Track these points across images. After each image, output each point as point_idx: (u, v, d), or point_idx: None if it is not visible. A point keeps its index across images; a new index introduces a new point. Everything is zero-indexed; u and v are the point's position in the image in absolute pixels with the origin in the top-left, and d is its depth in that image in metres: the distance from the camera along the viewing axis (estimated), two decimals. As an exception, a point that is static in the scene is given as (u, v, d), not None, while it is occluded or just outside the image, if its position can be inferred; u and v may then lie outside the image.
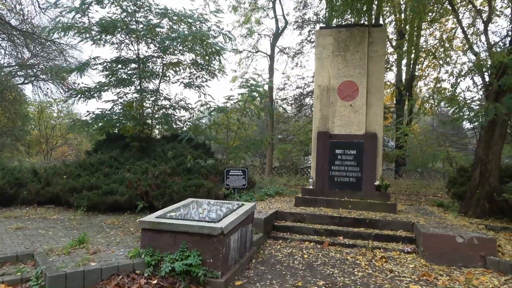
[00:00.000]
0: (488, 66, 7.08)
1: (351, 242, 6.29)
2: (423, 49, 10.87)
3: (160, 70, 12.25)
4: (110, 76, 11.76)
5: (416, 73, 19.51)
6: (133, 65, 11.90)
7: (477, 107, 7.41)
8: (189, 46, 11.57)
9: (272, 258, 5.52)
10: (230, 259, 4.70)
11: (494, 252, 5.27)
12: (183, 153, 9.67)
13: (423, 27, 13.00)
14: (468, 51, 8.31)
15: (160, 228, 4.56)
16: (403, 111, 19.89)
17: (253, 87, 11.17)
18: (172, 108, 12.02)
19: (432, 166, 18.24)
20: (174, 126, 12.11)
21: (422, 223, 6.44)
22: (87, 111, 11.66)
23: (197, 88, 11.76)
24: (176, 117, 12.39)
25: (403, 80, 18.27)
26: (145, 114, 11.53)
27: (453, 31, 10.89)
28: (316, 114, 8.54)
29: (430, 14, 10.92)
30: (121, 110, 11.12)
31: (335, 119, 8.26)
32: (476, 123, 6.43)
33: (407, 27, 10.36)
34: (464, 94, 9.41)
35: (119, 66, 11.81)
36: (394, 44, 15.86)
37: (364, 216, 7.06)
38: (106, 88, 11.67)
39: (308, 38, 20.71)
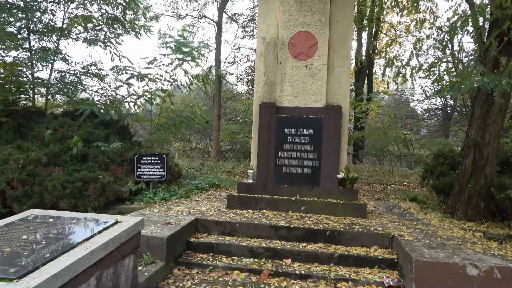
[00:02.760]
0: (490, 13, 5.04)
1: (304, 269, 4.09)
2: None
3: (61, 24, 9.19)
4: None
5: (377, 50, 17.79)
6: (20, 15, 8.77)
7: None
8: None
9: (168, 315, 3.16)
10: None
11: (526, 291, 3.31)
12: (78, 133, 6.91)
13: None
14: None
15: None
16: (363, 89, 18.22)
17: (182, 47, 8.55)
18: (75, 74, 9.03)
19: (393, 149, 16.83)
20: (80, 97, 9.17)
21: (407, 236, 4.37)
22: None
23: (104, 46, 8.76)
24: (84, 86, 9.45)
25: (364, 55, 16.46)
26: (39, 80, 8.48)
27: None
28: (259, 80, 6.14)
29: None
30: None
31: (284, 86, 5.91)
32: (493, 90, 4.38)
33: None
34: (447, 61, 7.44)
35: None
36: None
37: (323, 224, 4.88)
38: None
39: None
